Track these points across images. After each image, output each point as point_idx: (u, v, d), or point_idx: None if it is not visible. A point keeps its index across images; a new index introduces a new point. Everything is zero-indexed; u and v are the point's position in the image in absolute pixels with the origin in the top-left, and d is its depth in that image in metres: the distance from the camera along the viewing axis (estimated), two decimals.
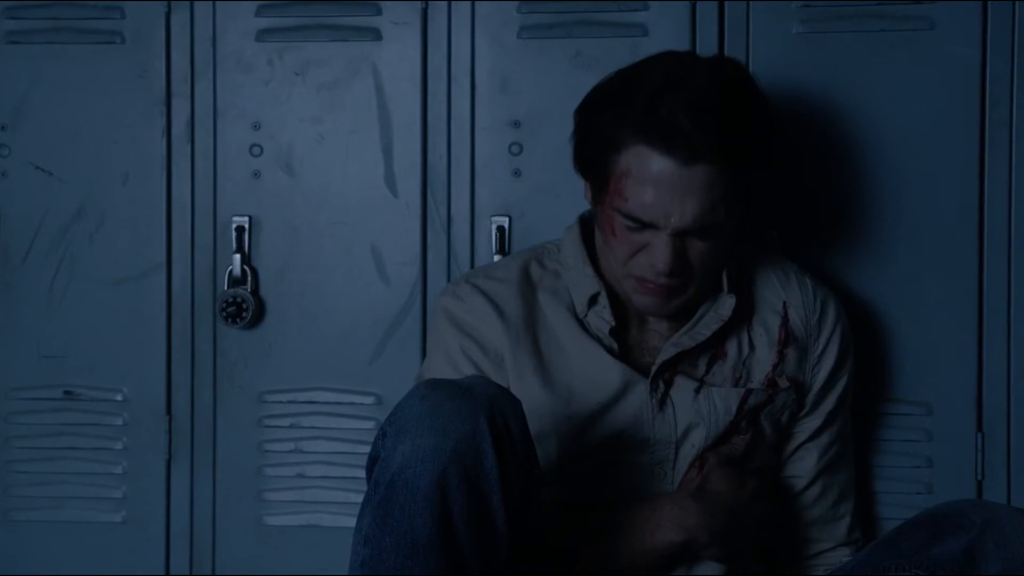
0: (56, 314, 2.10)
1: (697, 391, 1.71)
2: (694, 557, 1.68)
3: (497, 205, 2.03)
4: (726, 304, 1.73)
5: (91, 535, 2.10)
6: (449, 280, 2.01)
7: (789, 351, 1.77)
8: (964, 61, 1.94)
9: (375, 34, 2.04)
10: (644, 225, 1.62)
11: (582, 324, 1.74)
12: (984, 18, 1.93)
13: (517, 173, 2.02)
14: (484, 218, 2.03)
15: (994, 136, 1.94)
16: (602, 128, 1.65)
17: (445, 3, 2.01)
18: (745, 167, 1.62)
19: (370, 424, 2.05)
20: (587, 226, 1.80)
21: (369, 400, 2.06)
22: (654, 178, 1.60)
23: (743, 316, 1.77)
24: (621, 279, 1.70)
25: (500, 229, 2.01)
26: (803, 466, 1.82)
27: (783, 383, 1.75)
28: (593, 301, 1.74)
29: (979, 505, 1.58)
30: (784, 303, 1.79)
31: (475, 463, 1.41)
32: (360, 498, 1.92)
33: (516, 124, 2.02)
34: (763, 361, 1.76)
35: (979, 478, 1.97)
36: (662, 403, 1.71)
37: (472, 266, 2.02)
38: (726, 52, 1.96)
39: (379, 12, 2.03)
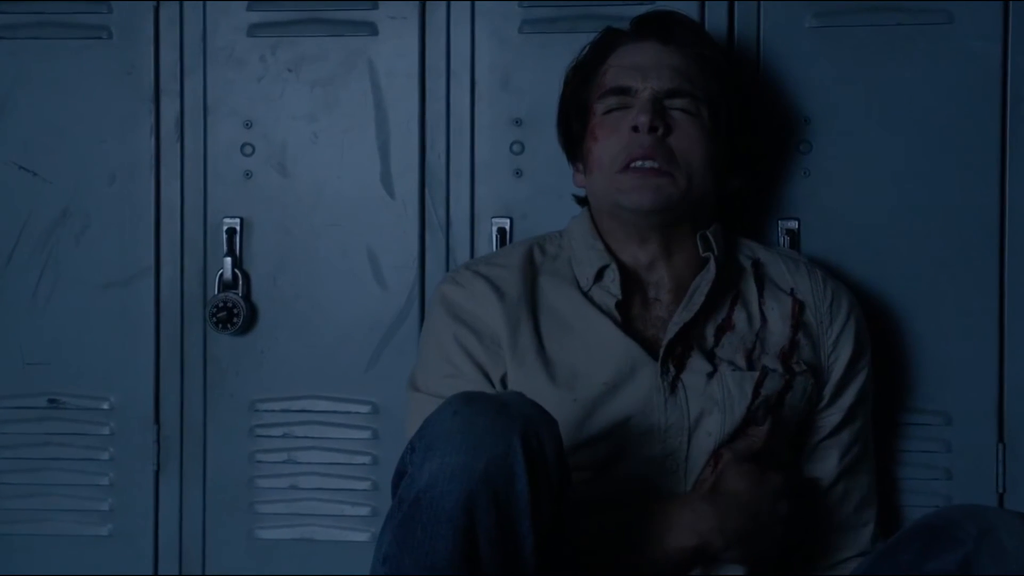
0: (40, 319, 2.06)
1: (711, 375, 1.69)
2: (713, 561, 1.63)
3: (498, 206, 1.99)
4: (709, 267, 1.72)
5: (77, 549, 2.06)
6: None
7: (801, 336, 1.74)
8: (984, 56, 1.90)
9: (371, 29, 2.01)
10: (623, 93, 1.72)
11: (586, 297, 1.73)
12: (1006, 12, 1.90)
13: (519, 173, 1.99)
14: (484, 220, 2.00)
15: (1016, 133, 1.90)
16: (580, 73, 1.80)
17: None
18: (715, 69, 1.75)
19: (366, 434, 2.02)
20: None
21: (365, 409, 2.02)
22: (631, 55, 1.75)
23: (752, 289, 1.76)
24: (612, 183, 1.71)
25: (501, 231, 1.98)
26: (824, 467, 1.78)
27: (799, 367, 1.72)
28: (599, 276, 1.73)
29: (975, 513, 1.53)
30: (792, 288, 1.78)
31: (506, 485, 1.37)
32: (356, 511, 2.01)
33: (518, 122, 1.99)
34: (777, 334, 1.74)
35: (1000, 491, 1.92)
36: (673, 387, 1.68)
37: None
38: (736, 47, 1.94)
39: (375, 7, 2.00)
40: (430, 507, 1.36)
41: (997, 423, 1.92)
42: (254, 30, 2.02)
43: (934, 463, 1.93)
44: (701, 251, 1.73)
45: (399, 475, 1.44)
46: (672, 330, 1.69)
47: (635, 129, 1.70)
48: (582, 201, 1.85)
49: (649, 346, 1.70)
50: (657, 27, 1.77)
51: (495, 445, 1.38)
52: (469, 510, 1.35)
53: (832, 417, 1.77)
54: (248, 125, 2.03)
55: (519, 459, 1.38)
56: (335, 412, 2.02)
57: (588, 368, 1.68)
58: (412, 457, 1.42)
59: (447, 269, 1.99)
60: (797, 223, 1.94)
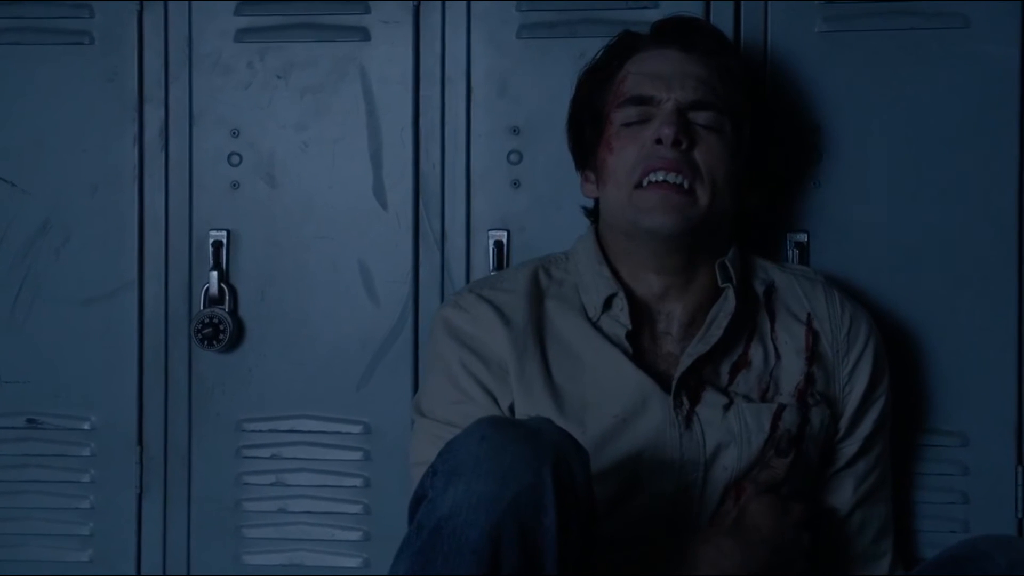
0: (19, 336, 2.03)
1: (727, 408, 1.64)
2: None
3: (495, 218, 1.96)
4: (729, 298, 1.67)
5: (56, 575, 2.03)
6: (443, 299, 1.95)
7: (815, 369, 1.70)
8: (1001, 61, 1.87)
9: (363, 34, 1.98)
10: (644, 103, 1.67)
11: (595, 327, 1.68)
12: (1023, 15, 1.87)
13: (516, 184, 1.96)
14: (481, 232, 1.96)
15: None
16: (595, 78, 1.74)
17: (439, 0, 1.96)
18: (737, 80, 1.70)
19: (358, 455, 1.98)
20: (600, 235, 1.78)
21: (357, 429, 1.98)
22: (652, 62, 1.69)
23: (765, 322, 1.71)
24: (629, 202, 1.66)
25: (498, 244, 1.95)
26: (839, 497, 1.73)
27: (813, 400, 1.68)
28: (608, 304, 1.69)
29: (1005, 544, 1.49)
30: (808, 315, 1.73)
31: (534, 518, 1.33)
32: (347, 535, 1.98)
33: (515, 131, 1.95)
34: (791, 371, 1.69)
35: (1020, 515, 1.88)
36: (688, 420, 1.63)
37: (471, 281, 1.95)
38: (742, 51, 1.90)
39: (368, 10, 1.98)
40: (452, 537, 1.31)
41: (1016, 444, 1.88)
42: (241, 35, 1.99)
43: (951, 486, 1.89)
44: (720, 282, 1.68)
45: (417, 500, 1.39)
46: (686, 362, 1.65)
47: (658, 141, 1.65)
48: (590, 213, 1.80)
49: (660, 380, 1.65)
50: (679, 34, 1.72)
51: (525, 475, 1.33)
52: (495, 542, 1.30)
53: (849, 448, 1.73)
54: (235, 134, 1.99)
55: (549, 491, 1.33)
56: (325, 432, 1.99)
57: (598, 400, 1.64)
58: (434, 481, 1.36)
59: (442, 283, 1.96)
60: (807, 236, 1.90)
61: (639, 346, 1.68)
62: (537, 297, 1.72)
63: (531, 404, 1.63)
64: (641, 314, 1.69)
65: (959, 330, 1.88)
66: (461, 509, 1.31)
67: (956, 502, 1.89)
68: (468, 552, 1.30)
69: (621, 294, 1.67)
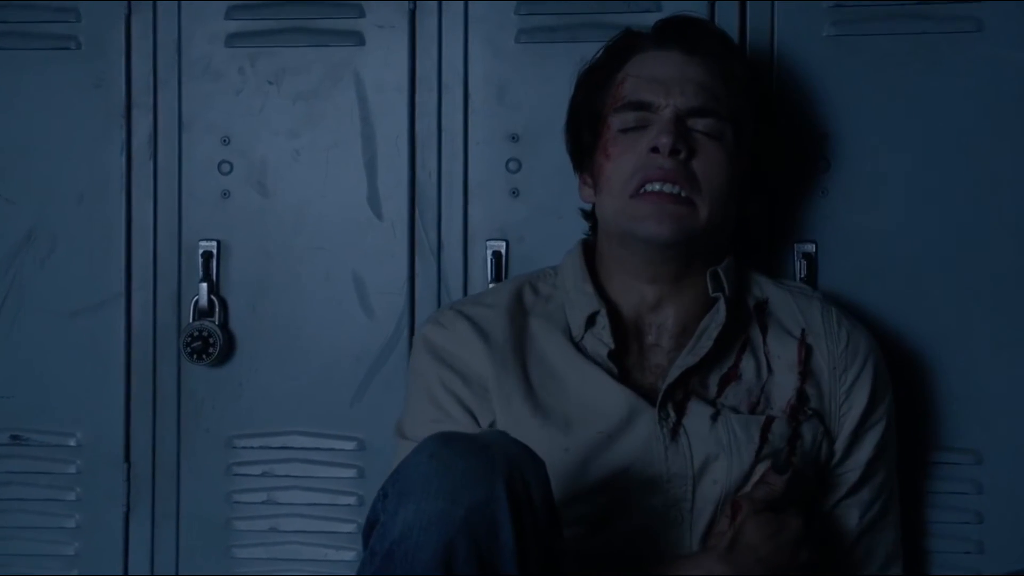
0: (2, 349, 2.02)
1: (714, 418, 1.60)
2: None
3: (493, 228, 1.94)
4: (720, 309, 1.64)
5: None
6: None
7: (808, 387, 1.66)
8: (1016, 65, 1.84)
9: (358, 38, 1.96)
10: (642, 108, 1.64)
11: (578, 348, 1.65)
12: None
13: (515, 193, 1.93)
14: (478, 242, 1.94)
15: None
16: (594, 79, 1.71)
17: (435, 3, 1.94)
18: (741, 86, 1.67)
19: (351, 472, 1.96)
20: (589, 249, 1.75)
21: (350, 445, 1.96)
22: (652, 65, 1.66)
23: (758, 335, 1.68)
24: (624, 210, 1.63)
25: (496, 255, 1.92)
26: (844, 526, 1.69)
27: (804, 415, 1.64)
28: (591, 322, 1.66)
29: None
30: (803, 330, 1.69)
31: (488, 535, 1.31)
32: (340, 555, 1.97)
33: (514, 138, 1.93)
34: (783, 386, 1.65)
35: None
36: (674, 433, 1.60)
37: (465, 296, 1.93)
38: (747, 55, 1.87)
39: (362, 14, 1.96)
40: (404, 560, 1.29)
41: None
42: (232, 40, 1.97)
43: (964, 505, 1.86)
44: (711, 290, 1.64)
45: (370, 524, 1.37)
46: (674, 373, 1.61)
47: (655, 150, 1.61)
48: (588, 216, 1.77)
49: (647, 394, 1.62)
50: (681, 36, 1.68)
51: (476, 490, 1.31)
52: (447, 563, 1.29)
53: (849, 475, 1.68)
54: (226, 141, 1.98)
55: (503, 505, 1.31)
56: (318, 449, 1.97)
57: (582, 417, 1.60)
58: (384, 504, 1.35)
59: (438, 295, 1.95)
60: (814, 246, 1.87)
61: (624, 363, 1.65)
62: (520, 314, 1.69)
63: (512, 419, 1.60)
64: (627, 330, 1.66)
65: (972, 343, 1.85)
66: (412, 531, 1.30)
67: (970, 522, 1.85)
68: (421, 574, 1.28)
69: (603, 312, 1.64)
